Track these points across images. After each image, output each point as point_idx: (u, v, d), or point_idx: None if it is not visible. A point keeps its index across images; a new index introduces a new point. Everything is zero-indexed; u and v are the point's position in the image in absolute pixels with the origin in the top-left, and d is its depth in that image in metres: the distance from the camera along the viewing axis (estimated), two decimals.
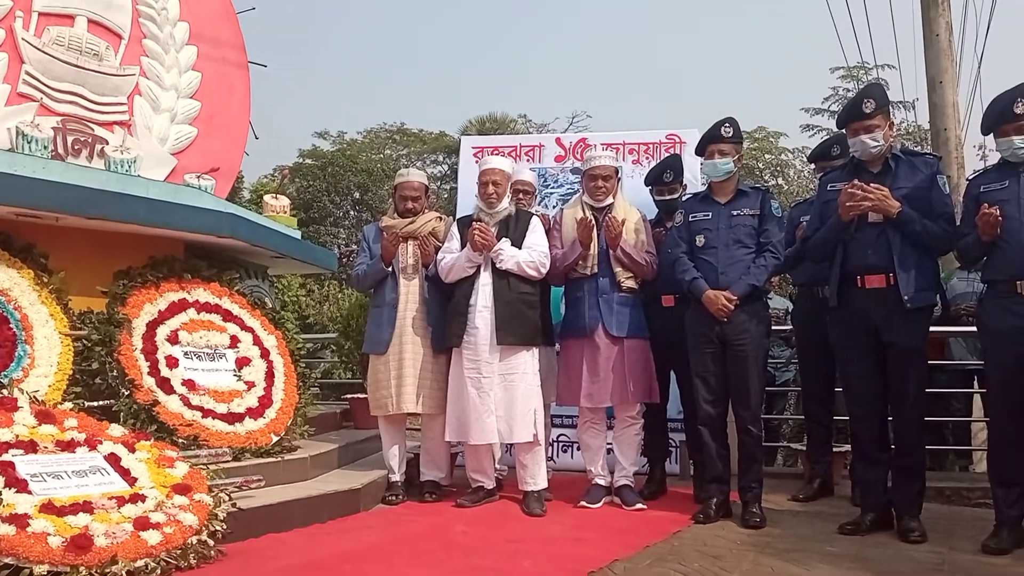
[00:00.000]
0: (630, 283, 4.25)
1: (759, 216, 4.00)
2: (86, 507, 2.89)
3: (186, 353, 4.21)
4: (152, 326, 4.16)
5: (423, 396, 4.34)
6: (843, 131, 3.88)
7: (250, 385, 4.35)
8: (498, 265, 4.20)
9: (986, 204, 3.33)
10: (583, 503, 4.24)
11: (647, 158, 5.58)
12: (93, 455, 3.25)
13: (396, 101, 48.47)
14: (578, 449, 4.83)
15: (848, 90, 18.86)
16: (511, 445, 4.41)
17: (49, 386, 3.67)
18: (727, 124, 4.06)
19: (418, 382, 4.34)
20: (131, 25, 5.18)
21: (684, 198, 4.47)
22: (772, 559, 3.27)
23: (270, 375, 4.48)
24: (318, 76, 49.61)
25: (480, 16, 52.89)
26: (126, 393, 3.85)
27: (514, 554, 3.33)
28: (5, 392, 3.39)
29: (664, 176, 4.64)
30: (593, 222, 4.21)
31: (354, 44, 52.98)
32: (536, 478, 4.20)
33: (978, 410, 5.35)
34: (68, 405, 3.56)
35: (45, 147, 4.37)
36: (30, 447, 3.09)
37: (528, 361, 4.21)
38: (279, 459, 4.12)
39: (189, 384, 4.07)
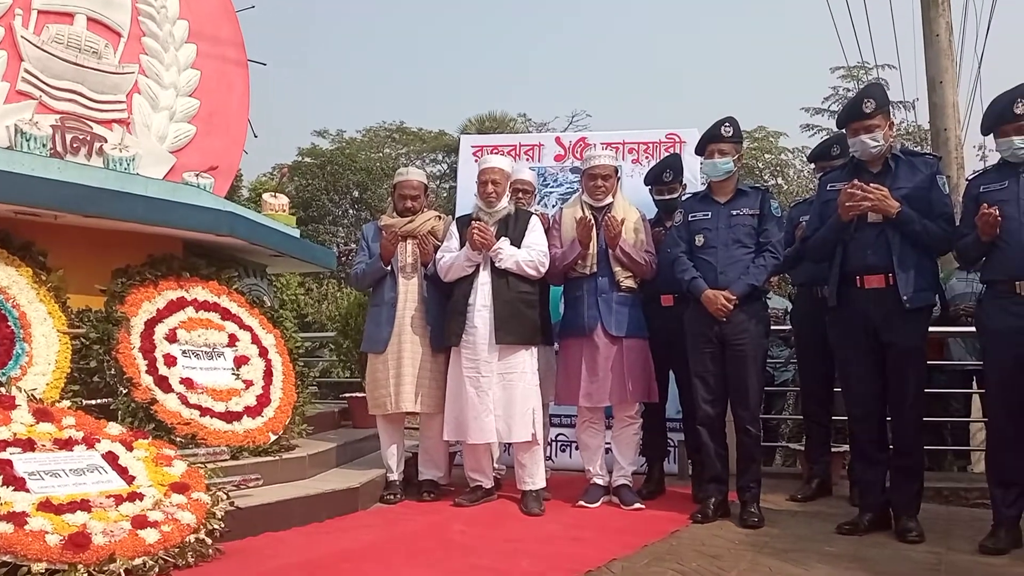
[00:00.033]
0: (629, 282, 4.25)
1: (758, 216, 4.00)
2: (84, 505, 2.88)
3: (184, 352, 4.21)
4: (150, 324, 4.15)
5: (422, 395, 4.34)
6: (843, 131, 3.88)
7: (248, 384, 4.35)
8: (497, 264, 4.20)
9: (985, 204, 3.33)
10: (581, 502, 4.23)
11: (647, 157, 5.58)
12: (91, 453, 3.24)
13: (396, 100, 48.48)
14: (576, 448, 4.83)
15: (848, 90, 18.85)
16: (509, 444, 4.40)
17: (47, 384, 3.67)
18: (727, 124, 4.06)
19: (417, 381, 4.34)
20: (130, 23, 5.18)
21: (684, 198, 4.47)
22: (770, 559, 3.27)
23: (268, 374, 4.48)
24: (317, 74, 49.62)
25: (480, 15, 52.91)
26: (124, 391, 3.85)
27: (512, 553, 3.33)
28: (3, 390, 3.38)
29: (664, 175, 4.64)
30: (592, 221, 4.20)
31: (353, 43, 53.01)
32: (534, 477, 4.20)
33: (977, 410, 5.36)
34: (66, 403, 3.56)
35: (44, 145, 4.36)
36: (28, 445, 3.09)
37: (527, 360, 4.21)
38: (277, 458, 4.11)
39: (187, 383, 4.07)
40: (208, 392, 4.11)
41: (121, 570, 2.73)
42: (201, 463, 3.52)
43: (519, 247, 4.23)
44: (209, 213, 4.52)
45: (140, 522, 2.91)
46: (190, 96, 5.44)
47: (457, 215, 4.66)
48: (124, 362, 3.91)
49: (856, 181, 3.59)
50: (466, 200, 5.23)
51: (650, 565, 3.18)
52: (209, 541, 3.08)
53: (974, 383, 5.29)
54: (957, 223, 3.61)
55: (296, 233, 5.72)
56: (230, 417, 4.07)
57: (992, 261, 3.43)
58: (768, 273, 4.04)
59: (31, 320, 3.77)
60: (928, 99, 7.35)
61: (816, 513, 4.16)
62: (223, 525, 3.17)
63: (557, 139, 6.10)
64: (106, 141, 4.83)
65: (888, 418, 3.73)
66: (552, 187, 5.76)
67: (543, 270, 4.26)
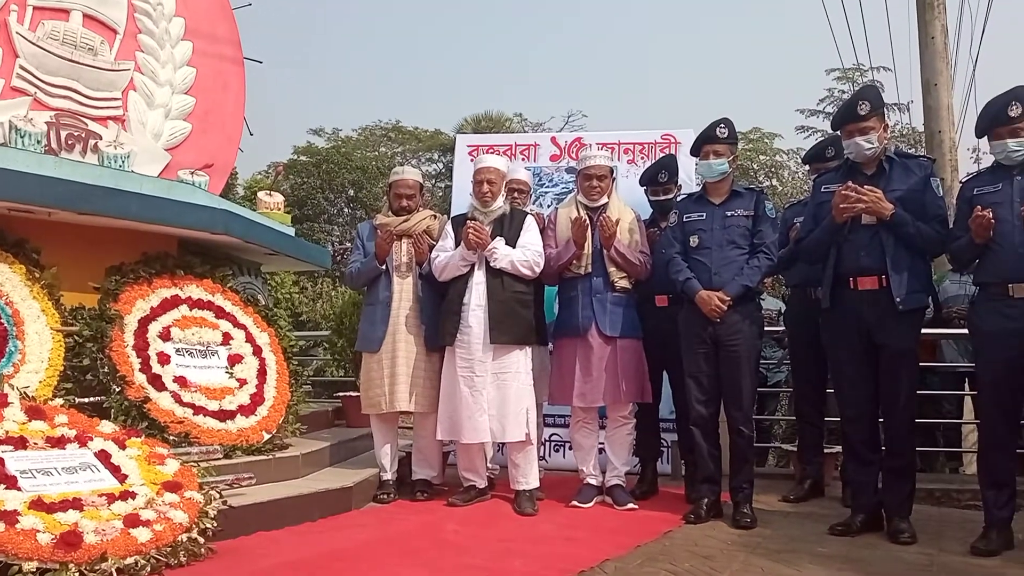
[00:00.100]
0: (624, 283, 4.26)
1: (753, 217, 4.01)
2: (76, 504, 2.88)
3: (178, 350, 4.20)
4: (144, 323, 4.14)
5: (416, 394, 4.34)
6: (838, 133, 3.89)
7: (242, 382, 4.34)
8: (492, 264, 4.20)
9: (979, 207, 3.34)
10: (574, 503, 4.24)
11: (642, 158, 5.58)
12: (83, 452, 3.23)
13: (392, 99, 48.44)
14: (570, 448, 4.83)
15: (843, 92, 18.91)
16: (503, 444, 4.41)
17: (40, 382, 3.66)
18: (722, 125, 4.07)
19: (411, 380, 4.34)
20: (126, 20, 5.16)
21: (679, 198, 4.48)
22: (762, 559, 3.27)
23: (262, 372, 4.47)
24: (314, 73, 49.56)
25: (478, 15, 52.88)
26: (117, 390, 3.84)
27: (505, 553, 3.33)
28: None
29: (659, 176, 4.64)
30: (587, 221, 4.21)
31: (351, 41, 52.93)
32: (528, 477, 4.20)
33: (969, 412, 5.37)
34: (59, 401, 3.55)
35: (38, 142, 4.36)
36: (20, 443, 3.08)
37: (521, 360, 4.21)
38: (270, 457, 4.11)
39: (181, 381, 4.06)
40: (201, 390, 4.10)
41: (113, 569, 2.73)
42: (194, 462, 3.51)
43: (514, 247, 4.23)
44: (204, 211, 4.51)
45: (132, 521, 2.90)
46: (186, 93, 5.43)
47: (452, 214, 4.66)
48: (117, 360, 3.90)
49: (850, 183, 3.59)
50: (461, 199, 5.24)
51: (643, 565, 3.18)
52: (202, 540, 3.07)
53: (966, 385, 5.30)
54: (951, 225, 3.62)
55: (291, 232, 5.71)
56: (223, 416, 4.06)
57: (985, 263, 3.44)
58: (762, 274, 4.05)
59: (24, 317, 3.76)
60: (923, 101, 7.38)
61: (808, 514, 4.17)
62: (216, 524, 3.17)
63: (553, 139, 6.11)
64: (101, 138, 4.82)
65: (881, 419, 3.74)
66: (547, 187, 5.76)
67: (538, 270, 4.26)
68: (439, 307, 4.34)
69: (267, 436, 4.18)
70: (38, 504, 2.80)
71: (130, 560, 2.79)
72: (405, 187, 4.57)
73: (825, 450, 4.73)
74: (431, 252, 4.39)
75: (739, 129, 4.37)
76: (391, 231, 4.42)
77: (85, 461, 3.19)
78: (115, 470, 3.21)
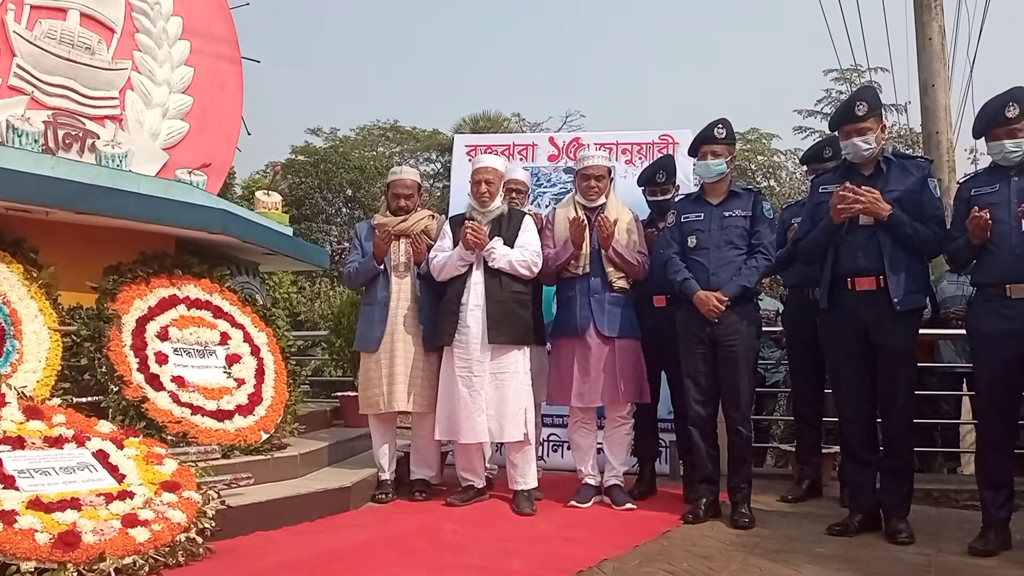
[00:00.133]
0: (622, 283, 4.26)
1: (751, 217, 4.01)
2: (74, 504, 2.87)
3: (176, 350, 4.19)
4: (142, 322, 4.14)
5: (414, 394, 4.33)
6: (835, 133, 3.90)
7: (240, 382, 4.34)
8: (490, 264, 4.20)
9: (976, 208, 3.34)
10: (573, 503, 4.24)
11: (640, 158, 5.59)
12: (81, 451, 3.23)
13: (390, 98, 48.36)
14: (568, 449, 4.84)
15: (841, 92, 18.91)
16: (501, 444, 4.41)
17: (37, 382, 3.66)
18: (720, 125, 4.07)
19: (409, 380, 4.34)
20: (124, 19, 5.15)
21: (676, 199, 4.48)
22: (761, 559, 3.28)
23: (260, 372, 4.47)
24: (311, 72, 49.49)
25: (477, 15, 52.84)
26: (115, 389, 3.83)
27: (504, 553, 3.33)
28: None
29: (657, 177, 4.65)
30: (585, 222, 4.21)
31: (349, 41, 52.85)
32: (526, 477, 4.20)
33: (967, 412, 5.38)
34: (56, 401, 3.54)
35: (36, 141, 4.35)
36: (18, 443, 3.08)
37: (519, 360, 4.21)
38: (268, 457, 4.11)
39: (178, 381, 4.05)
40: (199, 390, 4.10)
41: (111, 569, 2.72)
42: (192, 462, 3.51)
43: (512, 247, 4.23)
44: (202, 211, 4.51)
45: (130, 521, 2.90)
46: (183, 93, 5.42)
47: (450, 214, 4.66)
48: (115, 360, 3.90)
49: (848, 184, 3.60)
50: (459, 199, 5.24)
51: (641, 565, 3.18)
52: (200, 540, 3.07)
53: (964, 385, 5.31)
54: (948, 226, 3.63)
55: (289, 231, 5.71)
56: (221, 415, 4.06)
57: (983, 264, 3.45)
58: (760, 275, 4.05)
59: (22, 317, 3.76)
60: (920, 102, 7.38)
61: (806, 514, 4.18)
62: (214, 524, 3.17)
63: (551, 139, 6.11)
64: (98, 137, 4.81)
65: (878, 420, 3.74)
66: (545, 187, 5.76)
67: (536, 270, 4.26)
68: (437, 307, 4.34)
69: (265, 436, 4.18)
70: (36, 504, 2.80)
71: (128, 560, 2.79)
72: (403, 187, 4.57)
73: (823, 450, 4.74)
74: (429, 252, 4.39)
75: (737, 129, 4.38)
76: (389, 231, 4.42)
77: (83, 461, 3.19)
78: (113, 470, 3.21)
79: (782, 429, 6.78)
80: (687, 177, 5.08)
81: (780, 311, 5.62)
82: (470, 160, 5.04)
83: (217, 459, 3.77)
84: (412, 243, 4.43)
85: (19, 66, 4.62)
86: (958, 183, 3.78)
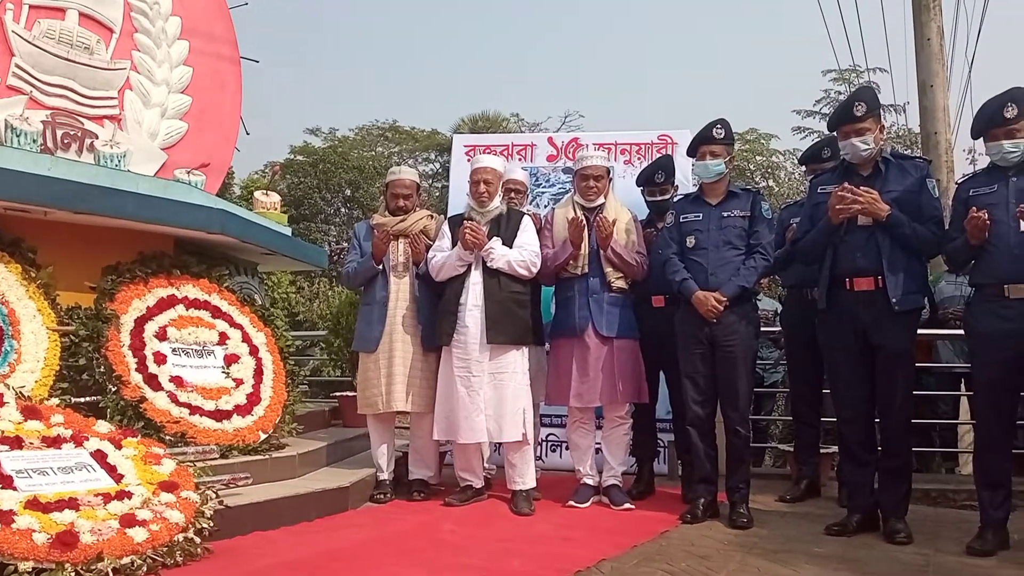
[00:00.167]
0: (620, 283, 4.26)
1: (749, 218, 4.02)
2: (72, 504, 2.87)
3: (174, 350, 4.19)
4: (140, 322, 4.14)
5: (412, 394, 4.33)
6: (834, 134, 3.90)
7: (238, 382, 4.33)
8: (489, 264, 4.20)
9: (975, 208, 3.35)
10: (571, 502, 4.24)
11: (639, 158, 5.58)
12: (79, 452, 3.23)
13: (389, 98, 48.34)
14: (567, 448, 4.84)
15: (840, 93, 18.93)
16: (500, 444, 4.41)
17: (36, 382, 3.65)
18: (719, 125, 4.07)
19: (408, 380, 4.33)
20: (122, 19, 5.15)
21: (675, 199, 4.48)
22: (759, 559, 3.28)
23: (259, 372, 4.47)
24: (310, 72, 49.48)
25: (476, 15, 52.83)
26: (113, 389, 3.83)
27: (502, 553, 3.33)
28: None
29: (655, 177, 4.65)
30: (584, 222, 4.21)
31: (348, 41, 52.84)
32: (524, 477, 4.20)
33: (965, 413, 5.39)
34: (55, 401, 3.54)
35: (34, 141, 4.35)
36: (16, 443, 3.07)
37: (518, 360, 4.21)
38: (267, 457, 4.10)
39: (177, 381, 4.05)
40: (198, 390, 4.09)
41: (109, 569, 2.72)
42: (190, 462, 3.51)
43: (511, 247, 4.23)
44: (200, 210, 4.50)
45: (128, 521, 2.90)
46: (182, 93, 5.42)
47: (449, 214, 4.66)
48: (113, 360, 3.90)
49: (846, 184, 3.60)
50: (458, 199, 5.24)
51: (639, 565, 3.18)
52: (198, 540, 3.07)
53: (962, 385, 5.32)
54: (946, 226, 3.63)
55: (287, 231, 5.71)
56: (220, 415, 4.06)
57: (981, 264, 3.45)
58: (758, 275, 4.05)
59: (20, 317, 3.75)
60: (919, 103, 7.39)
61: (805, 514, 4.18)
62: (212, 524, 3.17)
63: (550, 139, 6.11)
64: (97, 137, 4.81)
65: (877, 420, 3.74)
66: (544, 187, 5.76)
67: (535, 270, 4.26)
68: (436, 307, 4.34)
69: (263, 436, 4.17)
70: (34, 504, 2.80)
71: (126, 560, 2.79)
72: (402, 187, 4.57)
73: (821, 450, 4.74)
74: (428, 252, 4.39)
75: (736, 130, 4.39)
76: (388, 231, 4.42)
77: (81, 461, 3.18)
78: (111, 470, 3.21)
79: (780, 429, 6.78)
80: (686, 177, 5.08)
81: (779, 311, 5.62)
82: (469, 160, 5.05)
83: (215, 459, 3.77)
84: (411, 243, 4.43)
85: (18, 66, 4.62)
86: (956, 183, 3.78)
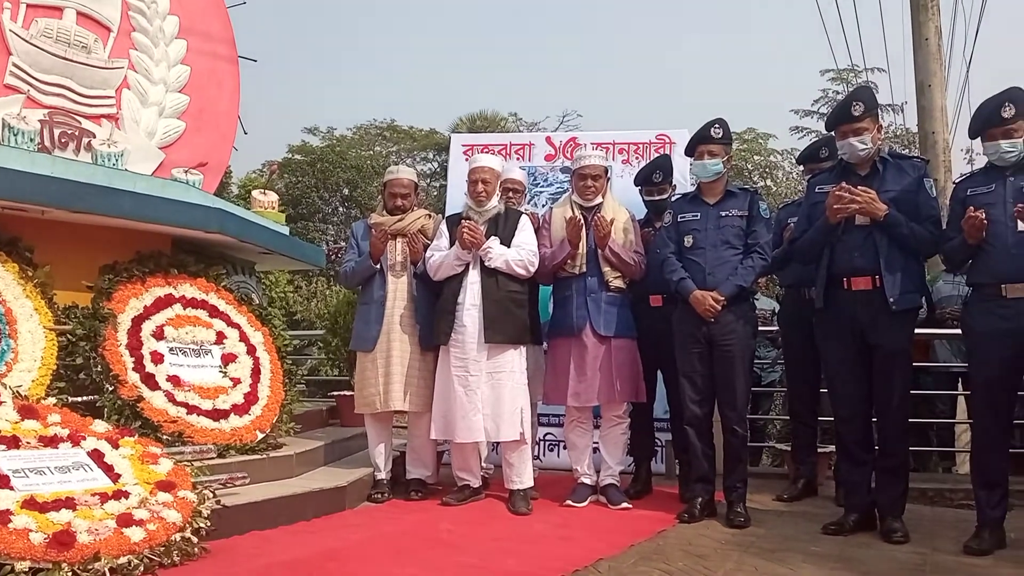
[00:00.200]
0: (618, 283, 4.26)
1: (747, 217, 4.02)
2: (69, 503, 2.86)
3: (171, 349, 4.19)
4: (137, 321, 4.13)
5: (410, 394, 4.33)
6: (832, 133, 3.90)
7: (236, 382, 4.33)
8: (487, 263, 4.20)
9: (972, 208, 3.35)
10: (569, 502, 4.24)
11: (637, 158, 5.59)
12: (76, 451, 3.22)
13: (387, 98, 48.29)
14: (564, 448, 4.84)
15: (838, 92, 18.94)
16: (497, 443, 4.41)
17: (32, 381, 3.64)
18: (717, 125, 4.08)
19: (405, 380, 4.33)
20: (120, 18, 5.15)
21: (673, 198, 4.49)
22: (756, 559, 3.28)
23: (256, 372, 4.46)
24: (308, 71, 49.41)
25: (475, 15, 52.82)
26: (110, 389, 3.82)
27: (500, 552, 3.33)
28: None
29: (653, 176, 4.65)
30: (582, 221, 4.21)
31: (346, 40, 52.80)
32: (522, 477, 4.20)
33: (962, 412, 5.39)
34: (51, 400, 3.53)
35: (32, 140, 4.34)
36: (12, 442, 3.07)
37: (516, 359, 4.21)
38: (264, 456, 4.10)
39: (174, 380, 4.04)
40: (195, 390, 4.09)
41: (106, 569, 2.72)
42: (188, 461, 3.51)
43: (509, 246, 4.23)
44: (198, 210, 4.50)
45: (125, 520, 2.89)
46: (180, 92, 5.42)
47: (447, 214, 4.66)
48: (111, 359, 3.89)
49: (844, 183, 3.61)
50: (456, 199, 5.24)
51: (637, 565, 3.19)
52: (195, 540, 3.06)
53: (960, 385, 5.32)
54: (944, 226, 3.64)
55: (285, 230, 5.70)
56: (217, 415, 4.05)
57: (978, 264, 3.46)
58: (756, 274, 4.06)
59: (17, 316, 3.74)
60: (916, 102, 7.39)
61: (802, 513, 4.18)
62: (209, 524, 3.16)
63: (548, 139, 6.11)
64: (95, 136, 4.81)
65: (874, 419, 3.75)
66: (542, 187, 5.76)
67: (532, 269, 4.26)
68: (434, 306, 4.34)
69: (261, 435, 4.17)
70: (31, 503, 2.79)
71: (123, 560, 2.78)
72: (400, 186, 4.57)
73: (819, 450, 4.74)
74: (425, 251, 4.38)
75: (733, 129, 4.39)
76: (386, 230, 4.42)
77: (78, 460, 3.18)
78: (108, 469, 3.20)
79: (778, 428, 6.79)
80: (684, 177, 5.09)
81: (776, 311, 5.62)
82: (467, 159, 5.06)
83: (213, 458, 3.76)
84: (409, 242, 4.43)
85: (15, 64, 4.61)
86: (954, 183, 3.79)
